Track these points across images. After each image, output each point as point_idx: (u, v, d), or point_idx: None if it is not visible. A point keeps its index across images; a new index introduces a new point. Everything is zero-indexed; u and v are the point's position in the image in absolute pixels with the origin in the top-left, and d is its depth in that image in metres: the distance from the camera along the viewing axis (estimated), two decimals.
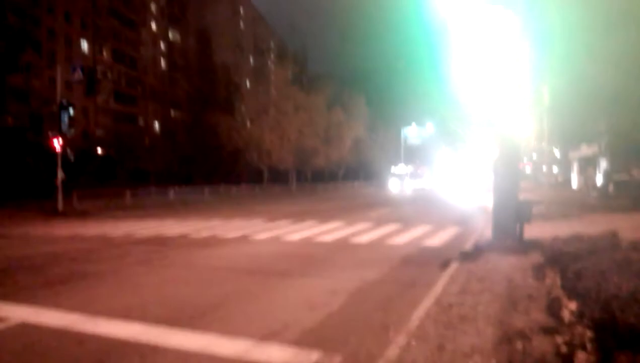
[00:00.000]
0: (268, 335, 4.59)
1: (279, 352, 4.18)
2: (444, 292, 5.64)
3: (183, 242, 11.40)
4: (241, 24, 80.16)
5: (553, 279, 5.95)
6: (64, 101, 20.38)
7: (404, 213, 19.19)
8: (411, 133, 76.90)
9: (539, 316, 4.60)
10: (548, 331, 4.13)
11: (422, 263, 8.26)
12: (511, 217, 8.80)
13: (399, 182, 51.07)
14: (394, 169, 55.78)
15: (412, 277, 7.16)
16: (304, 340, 4.47)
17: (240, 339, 4.49)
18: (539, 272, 6.41)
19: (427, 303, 5.22)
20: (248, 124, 51.03)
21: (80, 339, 4.60)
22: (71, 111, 20.23)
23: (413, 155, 71.26)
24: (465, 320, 4.58)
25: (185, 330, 4.77)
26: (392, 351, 3.90)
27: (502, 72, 9.05)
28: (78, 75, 20.26)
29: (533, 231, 9.57)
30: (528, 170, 51.67)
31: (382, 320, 5.07)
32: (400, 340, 4.12)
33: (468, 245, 9.37)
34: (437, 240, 10.96)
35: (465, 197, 29.03)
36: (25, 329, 4.97)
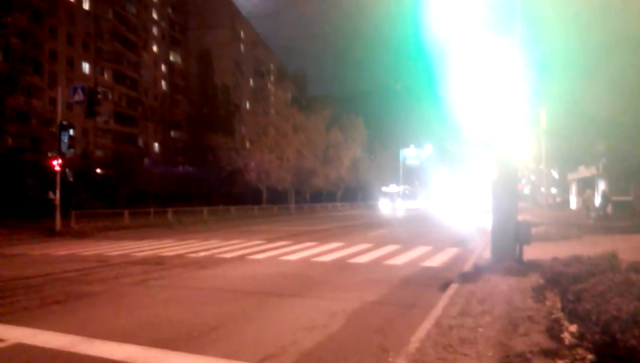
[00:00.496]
0: (266, 358, 4.53)
1: None
2: (444, 314, 5.59)
3: (180, 262, 11.32)
4: (241, 46, 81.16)
5: (553, 301, 5.90)
6: (64, 122, 20.49)
7: (403, 234, 19.13)
8: (409, 154, 77.27)
9: (539, 338, 4.55)
10: (549, 354, 4.08)
11: (421, 285, 8.21)
12: (510, 238, 8.79)
13: (390, 201, 51.13)
14: (385, 189, 55.87)
15: (411, 298, 7.10)
16: (302, 362, 4.40)
17: (237, 362, 4.42)
18: (539, 293, 6.36)
19: (426, 325, 5.17)
20: (247, 144, 51.28)
21: (75, 361, 4.54)
22: (71, 132, 20.35)
23: (411, 176, 71.46)
24: (466, 342, 4.53)
25: (182, 353, 4.71)
26: None
27: (499, 94, 9.15)
28: (79, 96, 20.42)
29: (533, 252, 9.54)
30: (527, 191, 51.77)
31: (381, 342, 5.01)
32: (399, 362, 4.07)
33: (467, 266, 9.33)
34: (437, 261, 10.91)
35: (464, 218, 29.00)
36: (22, 350, 4.92)
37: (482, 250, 11.49)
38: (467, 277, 7.86)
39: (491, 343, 4.47)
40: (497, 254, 8.86)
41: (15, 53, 33.01)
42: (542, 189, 45.32)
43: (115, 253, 13.41)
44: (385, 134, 73.78)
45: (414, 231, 20.95)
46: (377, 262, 10.95)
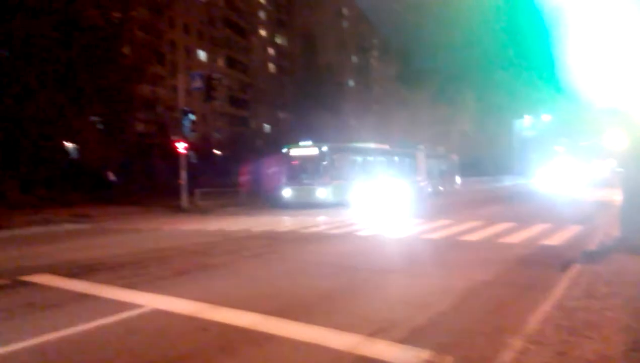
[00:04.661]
0: (376, 332, 4.62)
1: (389, 349, 4.20)
2: (566, 296, 5.25)
3: (293, 237, 11.87)
4: (344, 23, 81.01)
5: None
6: (186, 108, 22.19)
7: (519, 210, 18.10)
8: (525, 124, 72.16)
9: None
10: None
11: (540, 264, 7.76)
12: None
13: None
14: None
15: (529, 279, 6.76)
16: (413, 338, 4.43)
17: (348, 334, 4.58)
18: None
19: (546, 306, 4.91)
20: (352, 122, 51.54)
21: (204, 326, 5.00)
22: (192, 116, 21.94)
23: (527, 148, 66.83)
24: (589, 325, 4.24)
25: (296, 322, 4.97)
26: (507, 355, 3.73)
27: (631, 51, 8.16)
28: (197, 82, 21.98)
29: None
30: None
31: (496, 322, 4.87)
32: (516, 344, 3.93)
33: (592, 245, 8.60)
34: (557, 239, 10.20)
35: (587, 193, 26.59)
36: (158, 314, 5.51)
37: (609, 227, 10.51)
38: (592, 257, 7.27)
39: (619, 327, 4.14)
40: (627, 231, 8.04)
41: (140, 45, 36.18)
42: None
43: (235, 228, 14.39)
44: (497, 105, 69.60)
45: (531, 207, 19.70)
46: (490, 239, 10.52)
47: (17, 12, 24.04)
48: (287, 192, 21.79)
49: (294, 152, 22.18)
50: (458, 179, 37.72)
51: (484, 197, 27.62)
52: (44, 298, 6.36)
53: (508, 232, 11.51)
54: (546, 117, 69.31)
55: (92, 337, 4.82)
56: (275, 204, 22.23)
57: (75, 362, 4.22)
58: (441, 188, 32.92)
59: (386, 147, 27.73)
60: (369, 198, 22.47)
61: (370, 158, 25.00)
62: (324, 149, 21.14)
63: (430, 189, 30.55)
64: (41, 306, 5.98)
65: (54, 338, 4.74)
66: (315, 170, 21.12)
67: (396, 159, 27.77)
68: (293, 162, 22.01)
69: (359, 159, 24.13)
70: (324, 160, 20.97)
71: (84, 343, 4.64)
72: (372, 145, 26.57)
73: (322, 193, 20.84)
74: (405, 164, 28.40)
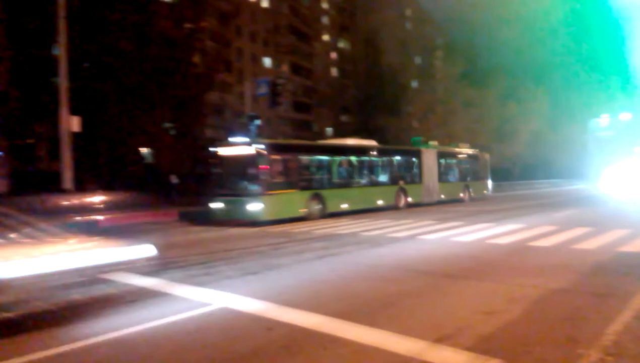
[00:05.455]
0: (442, 338, 4.54)
1: (455, 356, 4.11)
2: None
3: (355, 240, 11.87)
4: (407, 24, 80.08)
5: None
6: (252, 113, 22.85)
7: (594, 215, 17.07)
8: (602, 124, 67.69)
9: None
10: None
11: (617, 272, 7.28)
12: None
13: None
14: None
15: (605, 287, 6.37)
16: (481, 346, 4.30)
17: (413, 339, 4.53)
18: None
19: (625, 316, 4.62)
20: (415, 123, 50.80)
21: (269, 325, 5.13)
22: (257, 121, 22.54)
23: (604, 149, 62.66)
24: None
25: (360, 325, 4.98)
26: None
27: None
28: (263, 89, 22.59)
29: None
30: None
31: (569, 332, 4.63)
32: (592, 355, 3.74)
33: None
34: (637, 246, 9.52)
35: None
36: (226, 312, 5.72)
37: None
38: None
39: None
40: None
41: (210, 54, 37.70)
42: None
43: (297, 230, 14.64)
44: (570, 104, 65.86)
45: (607, 212, 18.50)
46: (563, 245, 10.00)
47: (95, 28, 25.85)
48: (215, 205, 17.14)
49: (223, 151, 17.33)
50: (488, 184, 31.03)
51: (501, 208, 21.96)
52: (120, 294, 6.78)
53: (582, 237, 10.88)
54: (625, 116, 64.70)
55: (164, 332, 5.09)
56: (209, 219, 17.59)
57: (150, 356, 4.47)
58: (462, 195, 27.28)
59: (372, 144, 22.63)
60: (332, 209, 18.74)
61: (341, 159, 20.06)
62: (260, 147, 16.16)
63: (442, 196, 25.54)
64: (117, 302, 6.38)
65: (130, 333, 5.04)
66: (248, 176, 16.44)
67: (389, 160, 22.90)
68: (223, 166, 17.39)
69: (322, 161, 19.25)
70: (259, 163, 16.02)
71: (157, 339, 4.91)
72: (350, 142, 22.01)
73: (254, 207, 16.03)
74: (404, 167, 23.80)
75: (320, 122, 66.93)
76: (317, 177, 18.96)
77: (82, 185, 21.58)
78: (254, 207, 16.04)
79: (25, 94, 27.31)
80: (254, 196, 16.06)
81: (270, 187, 16.20)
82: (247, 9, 55.53)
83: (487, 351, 4.16)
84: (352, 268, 8.53)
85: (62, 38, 17.12)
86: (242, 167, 16.68)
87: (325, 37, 70.08)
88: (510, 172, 59.93)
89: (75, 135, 17.33)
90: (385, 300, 6.09)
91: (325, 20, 70.15)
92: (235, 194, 16.64)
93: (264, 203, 16.00)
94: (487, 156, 31.26)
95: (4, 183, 28.04)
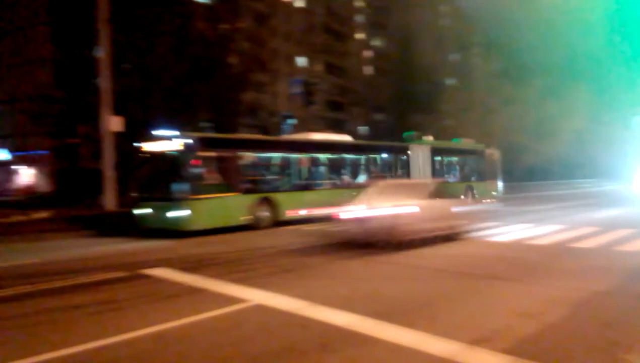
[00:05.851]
0: (479, 340, 4.47)
1: (491, 359, 4.05)
2: None
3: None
4: (443, 21, 78.86)
5: None
6: (286, 112, 23.07)
7: (638, 216, 16.41)
8: None
9: None
10: None
11: None
12: None
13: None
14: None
15: None
16: (519, 349, 4.21)
17: (449, 340, 4.48)
18: None
19: None
20: (451, 122, 50.02)
21: (304, 323, 5.18)
22: (291, 120, 22.70)
23: None
24: None
25: (395, 325, 4.96)
26: None
27: None
28: (297, 88, 22.79)
29: None
30: None
31: (612, 336, 4.49)
32: (634, 360, 3.62)
33: None
34: None
35: None
36: (261, 310, 5.80)
37: None
38: None
39: None
40: None
41: (245, 55, 38.20)
42: None
43: (335, 229, 14.63)
44: (615, 101, 63.40)
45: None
46: (605, 247, 9.68)
47: (135, 30, 26.61)
48: (140, 211, 14.39)
49: (148, 147, 14.60)
50: (498, 185, 26.68)
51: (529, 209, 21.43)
52: (159, 290, 6.97)
53: (626, 239, 10.49)
54: None
55: (202, 328, 5.21)
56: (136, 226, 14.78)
57: (188, 350, 4.58)
58: (463, 197, 22.56)
59: (345, 140, 20.03)
60: (287, 216, 15.92)
61: (301, 157, 17.20)
62: (187, 142, 13.46)
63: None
64: (157, 297, 6.56)
65: (170, 327, 5.18)
66: (173, 176, 13.62)
67: (367, 158, 20.02)
68: (149, 164, 14.71)
69: (274, 159, 16.58)
70: (186, 161, 13.31)
71: (195, 334, 5.02)
72: (316, 137, 19.04)
73: (178, 213, 13.21)
74: (387, 166, 20.92)
75: (354, 121, 66.78)
76: (268, 178, 16.26)
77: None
78: (179, 213, 13.24)
79: (69, 95, 28.39)
80: (178, 200, 13.26)
81: (199, 189, 13.42)
82: (281, 9, 55.91)
83: (525, 354, 4.07)
84: (389, 268, 8.47)
85: (104, 40, 17.71)
86: (167, 165, 14.01)
87: (360, 36, 69.82)
88: (549, 172, 58.25)
89: (117, 135, 17.88)
90: (422, 301, 6.05)
91: (359, 18, 69.90)
92: (161, 198, 13.93)
93: (191, 209, 13.20)
94: (496, 153, 26.97)
95: (49, 181, 29.29)
